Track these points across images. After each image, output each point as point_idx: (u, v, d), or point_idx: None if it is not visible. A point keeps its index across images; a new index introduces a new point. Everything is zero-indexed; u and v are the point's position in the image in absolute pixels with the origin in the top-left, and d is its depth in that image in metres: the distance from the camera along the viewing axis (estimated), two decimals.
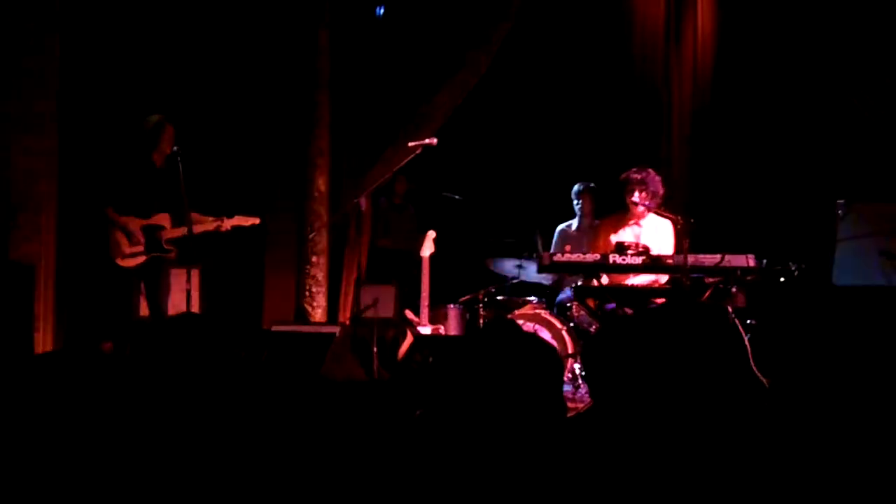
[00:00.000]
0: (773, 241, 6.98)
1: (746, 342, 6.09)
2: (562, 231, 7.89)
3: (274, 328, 7.47)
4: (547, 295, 7.74)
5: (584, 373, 6.90)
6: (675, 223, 6.87)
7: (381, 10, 8.33)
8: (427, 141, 7.25)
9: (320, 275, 8.25)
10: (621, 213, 7.24)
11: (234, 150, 8.52)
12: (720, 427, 2.34)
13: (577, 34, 8.87)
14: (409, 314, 7.37)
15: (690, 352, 2.43)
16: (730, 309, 6.18)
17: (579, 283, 6.80)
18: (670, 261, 6.49)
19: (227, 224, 6.99)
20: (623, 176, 7.06)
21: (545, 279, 7.75)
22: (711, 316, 6.10)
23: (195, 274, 7.83)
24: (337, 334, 6.60)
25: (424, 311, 7.25)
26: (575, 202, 7.82)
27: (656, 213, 7.04)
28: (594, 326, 6.96)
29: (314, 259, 8.23)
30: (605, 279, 6.66)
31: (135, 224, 6.76)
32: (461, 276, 8.14)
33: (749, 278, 6.38)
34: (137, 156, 6.90)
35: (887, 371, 5.21)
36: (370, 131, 8.31)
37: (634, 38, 8.75)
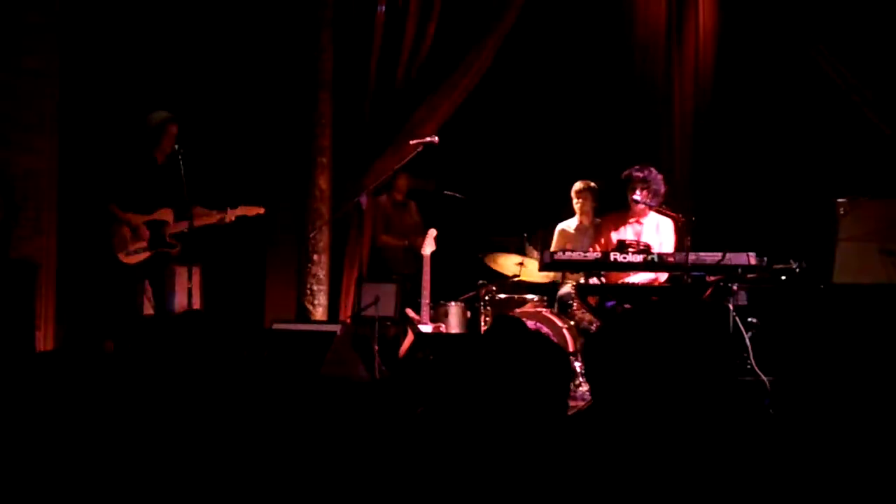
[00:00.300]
0: (774, 239, 6.97)
1: (747, 340, 6.11)
2: (561, 229, 7.89)
3: (275, 326, 7.47)
4: (548, 293, 7.73)
5: (584, 371, 6.90)
6: (676, 221, 6.87)
7: (383, 7, 8.32)
8: (428, 139, 7.26)
9: (321, 273, 8.26)
10: (622, 212, 7.24)
11: (235, 148, 8.52)
12: (720, 425, 2.34)
13: (578, 32, 8.86)
14: (410, 312, 7.37)
15: (691, 350, 2.43)
16: (731, 307, 6.19)
17: (580, 282, 6.81)
18: (672, 259, 6.49)
19: (231, 215, 7.01)
20: (625, 174, 7.06)
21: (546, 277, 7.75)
22: (712, 314, 6.11)
23: (196, 272, 7.83)
24: (338, 333, 6.60)
25: (425, 310, 7.25)
26: (575, 200, 7.82)
27: (657, 211, 7.04)
28: (595, 325, 6.96)
29: (315, 257, 8.23)
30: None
31: (138, 220, 6.77)
32: (462, 274, 8.14)
33: (750, 276, 6.39)
34: (139, 153, 6.91)
35: (888, 369, 5.21)
36: (371, 129, 8.31)
37: (635, 37, 8.74)
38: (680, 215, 6.68)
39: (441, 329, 7.32)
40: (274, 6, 8.33)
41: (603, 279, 6.78)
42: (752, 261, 6.34)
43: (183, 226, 6.76)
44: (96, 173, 7.77)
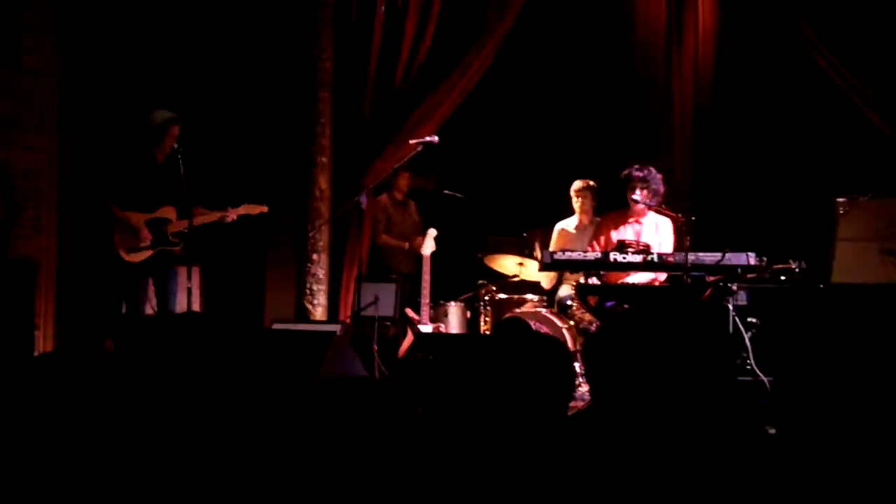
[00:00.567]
0: (773, 239, 6.98)
1: (747, 340, 6.11)
2: (561, 229, 7.89)
3: (275, 326, 7.47)
4: (547, 293, 7.73)
5: (584, 371, 6.90)
6: (675, 221, 6.87)
7: (384, 7, 8.33)
8: (428, 138, 7.26)
9: (321, 272, 8.26)
10: (621, 211, 7.24)
11: (235, 147, 8.52)
12: (720, 425, 2.34)
13: (578, 32, 8.86)
14: (409, 312, 7.37)
15: (691, 350, 2.43)
16: (730, 307, 6.19)
17: (580, 282, 6.81)
18: (671, 259, 6.49)
19: (233, 214, 7.02)
20: (624, 173, 7.06)
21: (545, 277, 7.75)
22: (712, 314, 6.12)
23: (196, 272, 7.83)
24: (338, 332, 6.60)
25: (425, 309, 7.25)
26: (574, 200, 7.82)
27: (657, 210, 7.04)
28: (594, 325, 6.96)
29: (315, 257, 8.24)
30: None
31: (140, 219, 6.77)
32: (462, 274, 8.14)
33: (750, 276, 6.39)
34: (140, 151, 6.91)
35: (888, 369, 5.21)
36: (371, 129, 8.32)
37: (635, 36, 8.74)
38: (680, 215, 6.68)
39: (441, 329, 7.32)
40: (274, 5, 8.33)
41: (602, 279, 6.78)
42: (752, 261, 6.34)
43: (184, 224, 6.76)
44: (97, 172, 7.79)
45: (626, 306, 6.57)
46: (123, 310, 7.31)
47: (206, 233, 7.96)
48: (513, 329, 5.13)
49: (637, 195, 6.97)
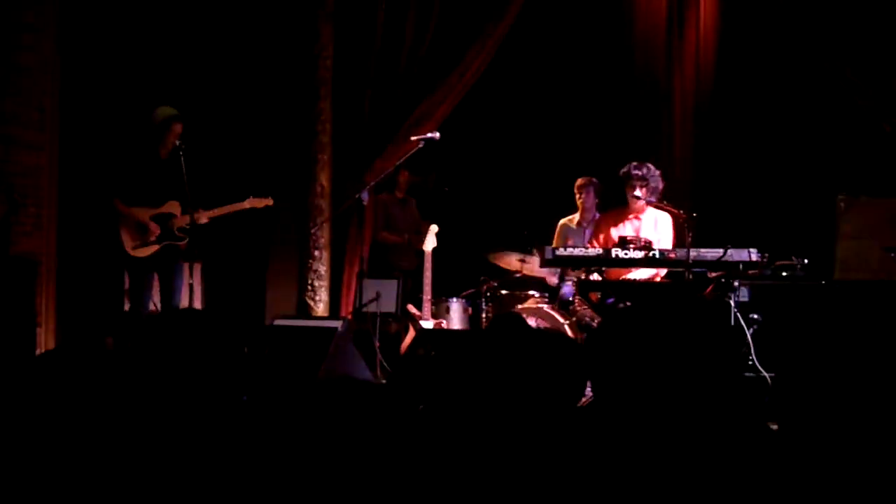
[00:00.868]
0: (775, 235, 6.97)
1: (749, 337, 6.11)
2: (563, 225, 7.89)
3: (276, 322, 7.47)
4: (549, 289, 7.73)
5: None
6: (677, 217, 6.86)
7: (383, 5, 8.33)
8: (429, 135, 7.25)
9: (322, 269, 8.26)
10: (620, 208, 7.24)
11: (236, 144, 8.53)
12: (721, 421, 2.34)
13: (579, 28, 8.85)
14: (411, 308, 7.37)
15: (692, 346, 2.43)
16: (732, 304, 6.18)
17: (581, 278, 6.81)
18: (673, 255, 6.49)
19: (236, 207, 7.05)
20: (623, 171, 7.06)
21: (547, 273, 7.74)
22: (714, 310, 6.11)
23: (197, 269, 7.84)
24: (339, 329, 6.60)
25: (427, 306, 7.25)
26: (577, 196, 7.82)
27: (656, 206, 7.04)
28: (596, 321, 6.96)
29: (316, 253, 8.24)
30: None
31: (146, 214, 6.79)
32: (463, 271, 8.14)
33: (751, 273, 6.38)
34: (143, 148, 6.92)
35: (889, 366, 5.20)
36: (372, 126, 8.32)
37: (636, 32, 8.74)
38: (681, 212, 6.68)
39: (442, 325, 7.32)
40: (275, 3, 8.32)
41: (604, 275, 6.78)
42: (754, 257, 6.33)
43: (188, 219, 6.78)
44: (100, 169, 7.79)
45: (627, 304, 6.57)
46: (126, 306, 7.32)
47: (208, 229, 7.96)
48: (508, 325, 5.11)
49: (638, 192, 6.97)
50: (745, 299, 6.33)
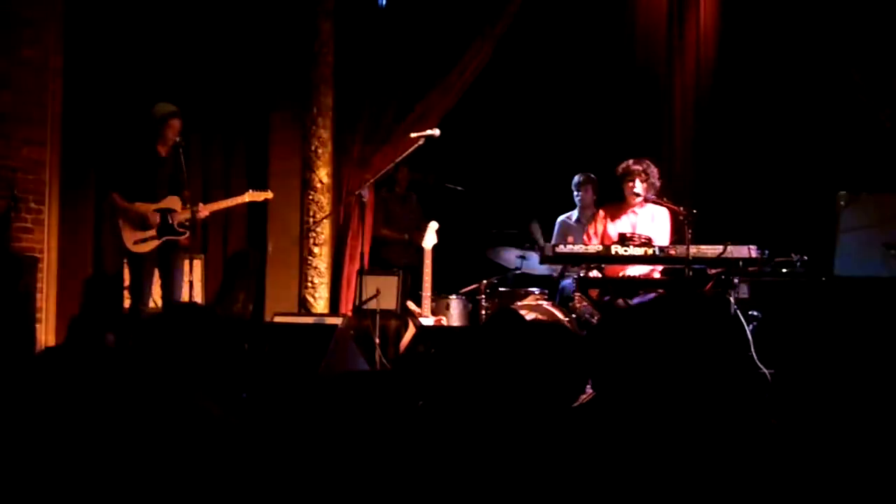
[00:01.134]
0: (775, 232, 6.97)
1: (749, 333, 6.11)
2: (562, 222, 7.89)
3: (276, 319, 7.48)
4: (549, 286, 7.73)
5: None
6: (675, 213, 6.86)
7: (384, 1, 8.32)
8: (429, 132, 7.25)
9: (322, 266, 8.26)
10: (617, 203, 7.25)
11: (236, 140, 8.53)
12: (721, 416, 2.34)
13: (579, 23, 8.85)
14: (411, 305, 7.37)
15: (692, 342, 2.43)
16: (732, 300, 6.18)
17: (581, 274, 6.81)
18: (673, 251, 6.49)
19: (236, 201, 7.07)
20: (622, 166, 7.06)
21: (547, 270, 7.74)
22: (714, 307, 6.12)
23: (198, 264, 7.85)
24: (339, 325, 6.60)
25: (426, 302, 7.26)
26: (575, 193, 7.82)
27: (655, 202, 7.04)
28: (596, 317, 6.96)
29: (316, 250, 8.24)
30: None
31: (146, 209, 6.79)
32: (463, 267, 8.14)
33: (751, 269, 6.38)
34: (142, 143, 6.93)
35: (889, 362, 5.21)
36: (372, 122, 8.32)
37: (636, 28, 8.72)
38: (681, 207, 6.68)
39: (442, 322, 7.32)
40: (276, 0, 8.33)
41: (603, 272, 6.78)
42: (754, 254, 6.33)
43: (189, 214, 6.80)
44: (101, 165, 7.81)
45: (624, 300, 6.57)
46: (126, 303, 7.33)
47: (207, 225, 7.98)
48: (505, 320, 5.12)
49: (637, 188, 6.97)
50: (745, 296, 6.33)
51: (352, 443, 2.47)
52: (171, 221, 6.82)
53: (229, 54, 8.37)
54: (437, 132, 7.23)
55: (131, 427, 2.50)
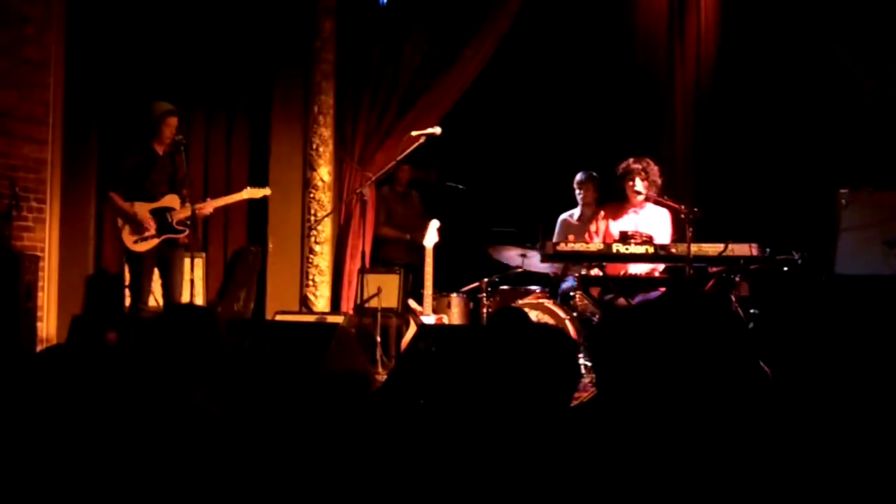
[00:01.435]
0: (776, 230, 6.97)
1: (750, 331, 6.11)
2: (564, 220, 7.89)
3: (277, 318, 7.49)
4: (550, 284, 7.74)
5: (588, 362, 6.92)
6: (677, 212, 6.87)
7: None
8: (430, 130, 7.25)
9: (324, 264, 8.27)
10: (619, 203, 7.25)
11: (237, 138, 8.53)
12: (724, 417, 2.34)
13: (579, 23, 8.84)
14: (412, 303, 7.37)
15: (694, 341, 2.43)
16: (733, 298, 6.19)
17: (582, 273, 6.82)
18: (674, 250, 6.49)
19: (234, 198, 7.08)
20: (623, 166, 7.07)
21: (548, 268, 7.75)
22: (715, 305, 6.11)
23: (199, 263, 7.85)
24: (340, 324, 6.61)
25: (428, 301, 7.26)
26: (577, 191, 7.82)
27: (656, 201, 7.05)
28: (597, 316, 6.97)
29: (317, 248, 8.25)
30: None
31: (144, 208, 6.80)
32: (464, 266, 8.14)
33: (752, 267, 6.39)
34: (140, 142, 6.94)
35: (889, 360, 5.21)
36: (374, 120, 8.32)
37: (637, 26, 8.72)
38: (683, 206, 6.68)
39: (443, 320, 7.32)
40: None
41: (604, 270, 6.79)
42: (755, 252, 6.34)
43: (189, 211, 6.80)
44: (101, 164, 7.81)
45: (630, 300, 6.58)
46: (127, 301, 7.34)
47: (208, 224, 7.98)
48: (508, 318, 5.12)
49: (638, 186, 6.98)
50: (746, 294, 6.33)
51: (352, 442, 2.47)
52: (170, 220, 6.83)
53: (231, 53, 8.37)
54: (438, 130, 7.24)
55: (131, 426, 2.50)
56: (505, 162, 9.03)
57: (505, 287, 7.68)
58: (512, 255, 7.84)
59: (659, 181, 7.04)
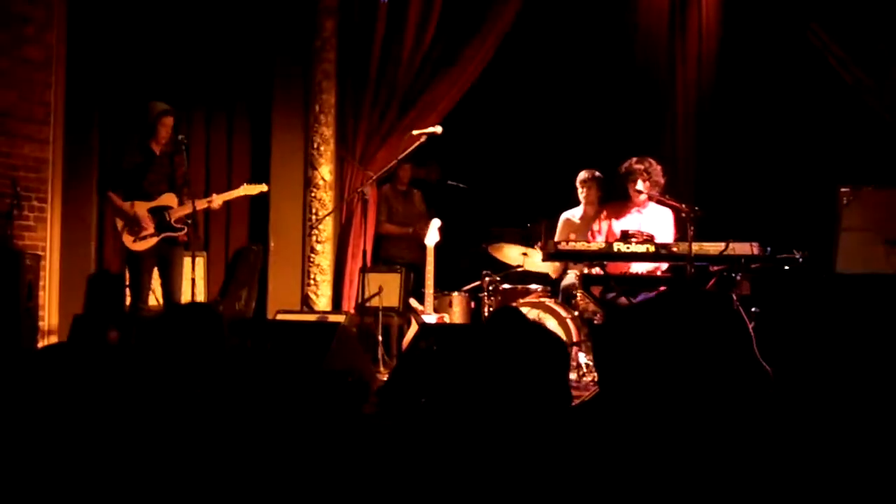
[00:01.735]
0: (776, 228, 6.97)
1: (751, 330, 6.11)
2: (566, 219, 7.89)
3: (279, 317, 7.49)
4: (552, 283, 7.73)
5: (590, 361, 6.92)
6: (680, 212, 6.87)
7: None
8: (432, 129, 7.25)
9: (325, 263, 8.27)
10: (621, 202, 7.25)
11: (238, 136, 8.54)
12: (725, 414, 2.34)
13: (581, 22, 8.84)
14: (413, 302, 7.38)
15: (696, 340, 2.43)
16: (734, 297, 6.18)
17: (584, 272, 6.81)
18: (675, 249, 6.49)
19: (232, 195, 7.09)
20: (625, 165, 7.06)
21: (549, 267, 7.75)
22: (716, 304, 6.11)
23: (200, 262, 7.86)
24: (342, 323, 6.61)
25: (429, 300, 7.26)
26: (580, 190, 7.81)
27: (659, 201, 7.04)
28: (599, 315, 6.97)
29: (319, 247, 8.25)
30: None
31: (143, 207, 6.80)
32: (466, 264, 8.15)
33: (753, 266, 6.39)
34: (138, 141, 6.94)
35: (890, 359, 5.21)
36: (374, 119, 8.32)
37: (638, 26, 8.72)
38: (685, 205, 6.68)
39: (445, 319, 7.32)
40: None
41: (605, 269, 6.78)
42: (756, 250, 6.33)
43: (187, 209, 6.81)
44: (103, 162, 7.82)
45: (631, 299, 6.58)
46: (128, 300, 7.34)
47: (209, 223, 7.99)
48: (506, 318, 5.12)
49: (640, 186, 6.98)
50: (747, 293, 6.33)
51: (352, 441, 2.48)
52: (168, 218, 6.83)
53: (231, 52, 8.38)
54: (439, 129, 7.24)
55: (132, 424, 2.50)
56: (506, 161, 9.03)
57: (506, 286, 7.68)
58: (513, 254, 7.85)
59: (662, 181, 7.04)
